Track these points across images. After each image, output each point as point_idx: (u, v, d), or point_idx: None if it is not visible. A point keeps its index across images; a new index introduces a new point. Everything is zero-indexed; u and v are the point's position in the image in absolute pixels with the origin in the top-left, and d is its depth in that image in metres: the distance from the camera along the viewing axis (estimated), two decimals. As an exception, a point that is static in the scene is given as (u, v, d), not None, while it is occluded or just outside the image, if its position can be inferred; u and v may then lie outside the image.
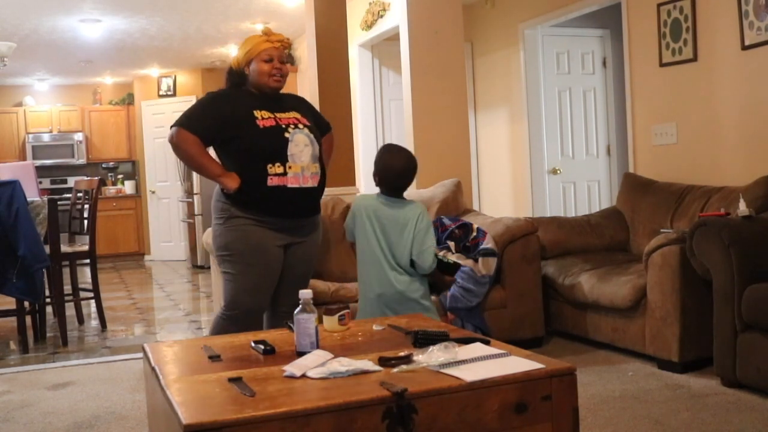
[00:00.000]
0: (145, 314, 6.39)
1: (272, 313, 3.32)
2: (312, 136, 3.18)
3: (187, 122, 3.13)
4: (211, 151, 3.23)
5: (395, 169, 3.28)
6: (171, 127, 3.16)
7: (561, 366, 1.95)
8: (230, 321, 3.15)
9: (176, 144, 3.13)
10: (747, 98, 4.43)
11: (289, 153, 3.08)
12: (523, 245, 4.20)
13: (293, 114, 3.20)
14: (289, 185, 3.08)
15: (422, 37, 5.20)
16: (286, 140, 3.09)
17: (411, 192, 3.46)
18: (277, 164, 3.07)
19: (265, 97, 3.20)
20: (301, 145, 3.11)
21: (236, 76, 3.24)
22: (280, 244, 3.16)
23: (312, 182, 3.15)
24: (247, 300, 3.16)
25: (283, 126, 3.12)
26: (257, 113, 3.11)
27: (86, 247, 5.53)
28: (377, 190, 3.37)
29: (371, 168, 3.37)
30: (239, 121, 3.09)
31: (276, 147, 3.07)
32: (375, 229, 3.25)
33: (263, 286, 3.18)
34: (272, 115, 3.13)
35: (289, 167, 3.08)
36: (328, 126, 3.50)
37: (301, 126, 3.16)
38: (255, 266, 3.13)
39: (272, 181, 3.06)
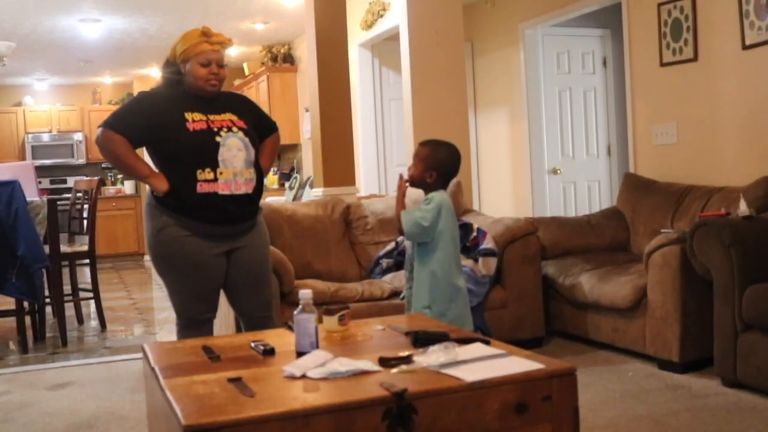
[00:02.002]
0: (144, 314, 6.39)
1: (246, 320, 3.21)
2: (247, 140, 3.02)
3: (114, 122, 2.97)
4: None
5: (456, 163, 3.32)
6: (98, 127, 3.01)
7: (561, 366, 1.94)
8: (186, 330, 3.06)
9: (102, 145, 2.98)
10: (748, 98, 4.42)
11: (220, 158, 2.94)
12: (523, 245, 4.20)
13: (228, 116, 3.04)
14: (220, 192, 2.94)
15: (422, 37, 5.19)
16: (218, 144, 2.94)
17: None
18: (207, 170, 2.93)
19: (200, 97, 3.04)
20: (233, 149, 2.97)
21: (172, 71, 3.06)
22: (218, 252, 3.02)
23: (245, 189, 3.00)
24: (194, 308, 3.07)
25: (215, 129, 2.97)
26: (188, 115, 2.96)
27: (86, 247, 5.53)
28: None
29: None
30: (168, 123, 2.95)
31: (206, 152, 2.93)
32: (455, 225, 3.25)
33: (206, 294, 3.07)
34: (204, 118, 2.98)
35: (220, 173, 2.94)
36: (274, 126, 3.32)
37: (234, 129, 3.00)
38: (193, 277, 3.01)
39: (202, 188, 2.92)
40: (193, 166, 2.93)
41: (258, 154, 3.12)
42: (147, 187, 3.06)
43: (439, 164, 3.27)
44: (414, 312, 3.26)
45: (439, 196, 3.24)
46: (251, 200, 3.07)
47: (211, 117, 3.00)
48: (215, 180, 2.94)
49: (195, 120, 2.96)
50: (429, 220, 3.18)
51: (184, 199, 2.94)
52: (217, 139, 2.95)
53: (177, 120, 2.95)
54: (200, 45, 3.00)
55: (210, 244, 3.00)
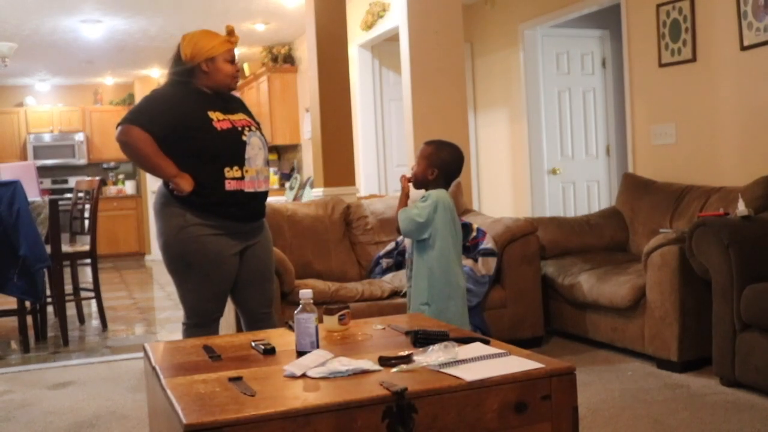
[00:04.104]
0: (145, 314, 6.40)
1: (248, 317, 3.22)
2: (263, 139, 3.12)
3: (139, 118, 2.94)
4: None
5: (458, 163, 3.37)
6: (118, 125, 2.96)
7: (560, 366, 1.96)
8: (194, 329, 3.06)
9: (127, 142, 2.94)
10: (746, 98, 4.43)
11: (246, 156, 3.00)
12: (522, 245, 4.21)
13: (242, 116, 3.10)
14: (246, 189, 3.00)
15: (422, 37, 5.20)
16: (244, 143, 3.00)
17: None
18: (235, 168, 2.97)
19: (217, 97, 3.08)
20: (256, 148, 3.04)
21: (183, 70, 3.06)
22: (235, 251, 3.06)
23: (264, 186, 3.10)
24: (208, 308, 3.08)
25: (239, 128, 3.02)
26: (212, 114, 2.99)
27: (87, 247, 5.54)
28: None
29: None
30: (195, 121, 2.96)
31: (234, 150, 2.98)
32: (454, 224, 3.29)
33: (221, 294, 3.10)
34: (225, 117, 3.02)
35: (246, 171, 3.00)
36: (259, 127, 3.36)
37: (253, 129, 3.08)
38: (213, 276, 3.02)
39: (230, 185, 2.97)
40: (222, 164, 2.96)
41: None
42: (159, 185, 3.07)
43: (441, 162, 3.32)
44: (412, 309, 3.29)
45: (437, 194, 3.27)
46: (266, 198, 3.16)
47: (230, 117, 3.05)
48: (242, 178, 2.99)
49: (219, 119, 3.00)
50: (424, 216, 3.22)
51: (210, 196, 2.97)
52: (243, 137, 3.01)
53: (202, 118, 2.97)
54: (226, 44, 3.06)
55: (230, 243, 3.03)
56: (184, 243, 2.98)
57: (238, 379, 1.93)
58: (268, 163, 3.16)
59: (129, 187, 11.44)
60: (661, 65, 5.00)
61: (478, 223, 4.29)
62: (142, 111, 3.00)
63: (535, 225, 4.35)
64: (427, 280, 3.25)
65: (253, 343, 2.33)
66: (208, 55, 3.03)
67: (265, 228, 3.24)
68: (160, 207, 3.05)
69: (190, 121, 2.96)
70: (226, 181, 2.97)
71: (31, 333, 5.18)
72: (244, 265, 3.12)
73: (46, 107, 11.25)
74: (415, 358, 2.02)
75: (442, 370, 1.93)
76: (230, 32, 3.11)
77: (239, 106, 3.18)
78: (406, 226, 3.28)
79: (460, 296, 3.28)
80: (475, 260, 4.12)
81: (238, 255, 3.08)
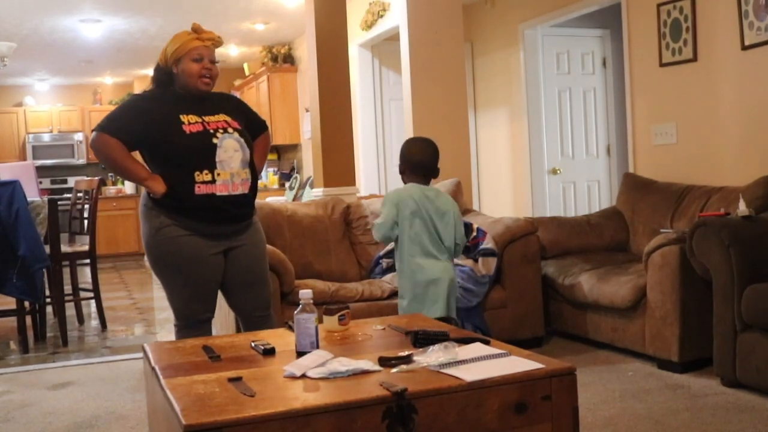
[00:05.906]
0: (145, 314, 6.40)
1: (245, 319, 3.21)
2: (242, 140, 3.05)
3: (109, 126, 2.98)
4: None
5: (425, 155, 3.46)
6: (92, 131, 3.03)
7: (561, 366, 1.95)
8: (185, 330, 3.07)
9: (98, 149, 2.99)
10: (747, 98, 4.43)
11: (217, 159, 2.96)
12: (523, 245, 4.20)
13: (222, 117, 3.06)
14: (218, 193, 2.97)
15: (422, 37, 5.20)
16: (215, 146, 2.96)
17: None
18: (205, 171, 2.94)
19: (193, 99, 3.05)
20: (230, 150, 3.00)
21: (163, 74, 3.07)
22: (217, 251, 3.04)
23: (242, 189, 3.04)
24: (194, 308, 3.07)
25: (212, 131, 2.98)
26: (183, 117, 2.97)
27: (86, 247, 5.53)
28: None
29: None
30: (164, 126, 2.95)
31: (204, 154, 2.95)
32: (425, 217, 3.34)
33: (205, 294, 3.08)
34: (200, 120, 2.99)
35: (218, 174, 2.96)
36: (264, 125, 3.34)
37: (230, 130, 3.03)
38: (193, 277, 3.01)
39: (200, 189, 2.94)
40: (191, 168, 2.94)
41: (252, 154, 3.14)
42: (143, 188, 3.07)
43: (408, 157, 3.46)
44: (398, 307, 3.44)
45: (393, 192, 3.44)
46: (248, 200, 3.10)
47: (206, 118, 3.02)
48: (213, 182, 2.96)
49: (191, 122, 2.97)
50: (383, 218, 3.38)
51: (182, 200, 2.96)
52: (214, 140, 2.97)
53: (172, 122, 2.96)
54: (192, 42, 3.03)
55: (208, 243, 3.01)
56: (161, 244, 3.00)
57: (238, 379, 1.92)
58: (250, 165, 3.09)
59: (128, 187, 11.43)
60: (661, 65, 5.00)
61: (478, 223, 4.28)
62: (113, 118, 3.02)
63: (536, 225, 4.34)
64: (399, 275, 3.42)
65: (252, 344, 2.33)
66: (174, 57, 3.03)
67: (254, 229, 3.18)
68: (141, 209, 3.09)
69: (159, 125, 2.96)
70: (196, 185, 2.94)
71: (30, 333, 5.17)
72: (231, 268, 3.10)
73: (45, 107, 11.25)
74: (415, 358, 2.01)
75: (442, 370, 1.93)
76: (195, 30, 3.08)
77: (227, 107, 3.14)
78: (376, 233, 3.44)
79: (430, 287, 3.34)
80: (476, 260, 4.11)
81: (220, 255, 3.06)
